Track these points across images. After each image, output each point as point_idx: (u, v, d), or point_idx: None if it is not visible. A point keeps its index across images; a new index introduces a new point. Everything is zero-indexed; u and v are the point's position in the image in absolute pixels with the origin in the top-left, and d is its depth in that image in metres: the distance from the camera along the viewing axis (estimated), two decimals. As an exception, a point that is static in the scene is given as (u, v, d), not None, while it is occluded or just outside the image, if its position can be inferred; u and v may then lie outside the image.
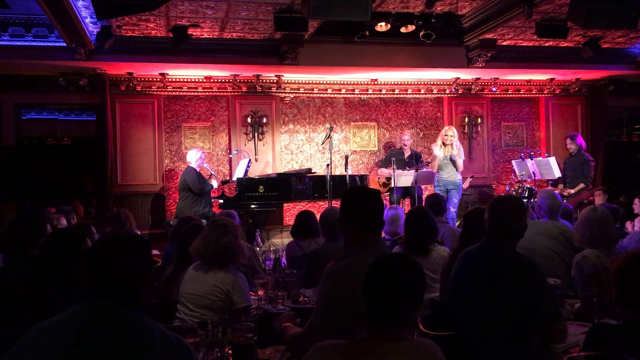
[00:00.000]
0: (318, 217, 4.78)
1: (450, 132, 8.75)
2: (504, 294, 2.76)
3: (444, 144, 8.71)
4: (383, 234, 5.22)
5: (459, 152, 8.76)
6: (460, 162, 8.76)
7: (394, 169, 8.44)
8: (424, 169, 8.69)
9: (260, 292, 3.81)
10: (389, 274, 2.03)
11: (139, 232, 6.69)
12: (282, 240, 9.11)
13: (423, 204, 7.48)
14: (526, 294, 2.75)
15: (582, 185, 8.66)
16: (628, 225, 7.31)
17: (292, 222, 5.42)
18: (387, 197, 9.04)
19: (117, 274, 1.84)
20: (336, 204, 7.21)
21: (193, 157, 8.31)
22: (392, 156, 9.24)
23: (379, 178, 9.30)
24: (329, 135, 8.35)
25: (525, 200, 8.24)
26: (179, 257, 4.03)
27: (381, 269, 2.05)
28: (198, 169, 8.27)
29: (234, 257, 3.49)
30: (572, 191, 8.61)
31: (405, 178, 8.56)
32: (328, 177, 7.97)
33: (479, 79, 10.39)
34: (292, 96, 10.19)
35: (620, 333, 2.20)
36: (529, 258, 2.93)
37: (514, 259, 2.89)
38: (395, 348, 1.95)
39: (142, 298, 1.91)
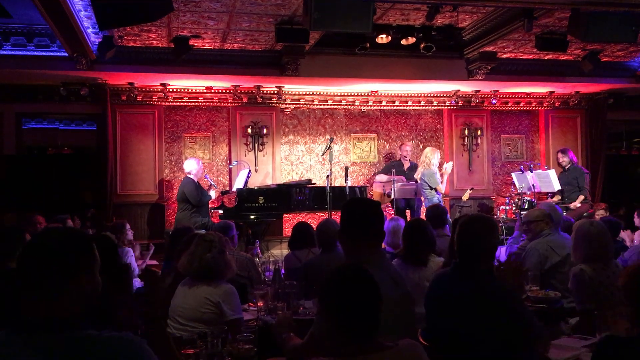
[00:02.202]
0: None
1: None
2: (485, 326, 2.66)
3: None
4: (384, 245, 5.21)
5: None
6: None
7: (393, 180, 8.44)
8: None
9: (260, 303, 3.80)
10: (345, 286, 2.01)
11: (133, 242, 6.65)
12: (281, 251, 9.09)
13: (422, 216, 7.50)
14: (507, 324, 2.66)
15: (582, 197, 8.62)
16: (624, 234, 7.30)
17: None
18: (387, 209, 9.03)
19: (29, 285, 1.60)
20: (336, 215, 7.21)
21: (192, 167, 8.30)
22: (392, 167, 9.26)
23: (384, 187, 9.25)
24: (329, 146, 8.36)
25: (524, 213, 8.22)
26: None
27: (330, 284, 2.03)
28: (196, 179, 8.26)
29: (219, 273, 3.45)
30: (577, 204, 8.54)
31: (404, 190, 8.55)
32: (328, 188, 7.98)
33: (478, 91, 10.42)
34: (293, 107, 10.21)
35: (631, 345, 2.19)
36: (502, 286, 2.84)
37: (489, 289, 2.78)
38: (380, 358, 1.94)
39: (77, 309, 1.64)
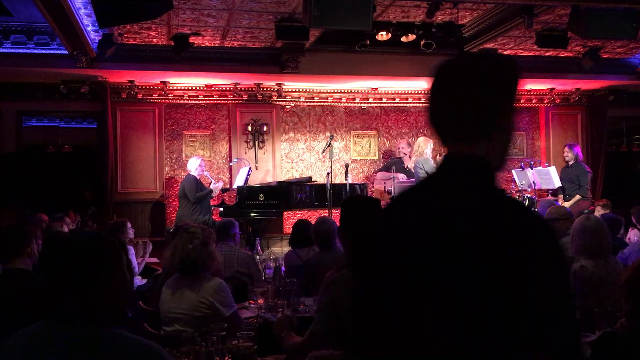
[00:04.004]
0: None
1: None
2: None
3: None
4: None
5: None
6: None
7: (394, 177, 8.44)
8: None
9: (260, 301, 3.81)
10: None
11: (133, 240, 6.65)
12: (282, 248, 9.10)
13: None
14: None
15: (577, 197, 8.59)
16: (632, 234, 7.28)
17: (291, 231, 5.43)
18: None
19: (72, 282, 1.67)
20: (336, 212, 7.20)
21: (193, 166, 8.32)
22: (392, 164, 9.26)
23: (384, 184, 9.25)
24: (330, 143, 8.36)
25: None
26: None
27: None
28: (198, 177, 8.27)
29: (202, 265, 3.35)
30: (569, 204, 8.52)
31: (403, 187, 8.55)
32: (328, 185, 7.98)
33: (479, 88, 10.39)
34: (293, 104, 10.20)
35: (630, 341, 2.19)
36: None
37: None
38: None
39: (107, 308, 1.72)
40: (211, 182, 8.75)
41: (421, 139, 8.81)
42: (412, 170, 8.71)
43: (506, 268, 1.15)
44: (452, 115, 1.34)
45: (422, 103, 10.65)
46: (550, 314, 1.18)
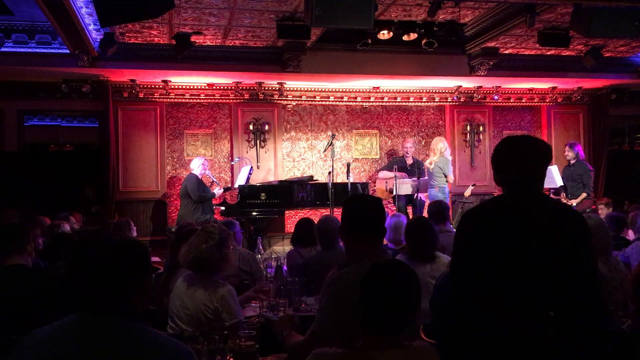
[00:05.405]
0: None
1: None
2: None
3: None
4: (386, 242, 5.21)
5: None
6: None
7: (395, 176, 8.44)
8: (426, 178, 8.74)
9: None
10: (385, 281, 2.01)
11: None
12: (283, 247, 9.11)
13: (425, 212, 7.51)
14: None
15: (584, 195, 8.58)
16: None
17: (293, 230, 5.42)
18: (390, 205, 9.02)
19: (109, 280, 1.76)
20: (337, 211, 7.20)
21: (195, 165, 8.35)
22: (395, 163, 9.26)
23: (386, 182, 9.26)
24: (331, 142, 8.36)
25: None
26: (171, 263, 3.99)
27: (376, 277, 2.04)
28: (200, 176, 8.28)
29: (214, 266, 3.34)
30: (575, 202, 8.50)
31: (406, 186, 8.56)
32: (330, 184, 7.98)
33: (481, 87, 10.40)
34: (294, 103, 10.20)
35: (633, 341, 2.18)
36: None
37: None
38: (393, 356, 1.94)
39: (138, 306, 1.83)
40: (212, 181, 8.76)
41: (440, 140, 8.88)
42: (431, 168, 8.76)
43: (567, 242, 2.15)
44: (529, 175, 2.27)
45: (424, 102, 10.65)
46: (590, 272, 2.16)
